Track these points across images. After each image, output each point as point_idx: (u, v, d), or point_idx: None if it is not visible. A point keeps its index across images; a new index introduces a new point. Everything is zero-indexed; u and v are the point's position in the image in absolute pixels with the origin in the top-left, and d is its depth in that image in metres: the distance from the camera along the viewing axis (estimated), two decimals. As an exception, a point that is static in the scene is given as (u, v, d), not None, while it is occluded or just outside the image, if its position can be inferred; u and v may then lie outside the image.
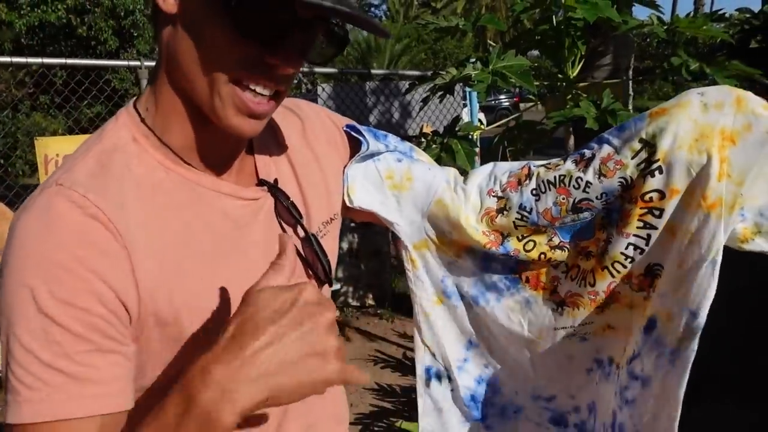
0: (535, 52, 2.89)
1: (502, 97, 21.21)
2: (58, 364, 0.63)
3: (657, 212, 0.93)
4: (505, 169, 1.07)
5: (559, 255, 1.03)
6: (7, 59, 3.16)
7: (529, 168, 1.04)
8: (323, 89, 4.90)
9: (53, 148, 3.33)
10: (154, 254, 0.69)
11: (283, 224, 0.84)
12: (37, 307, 0.62)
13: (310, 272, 0.86)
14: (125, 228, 0.67)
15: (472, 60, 2.50)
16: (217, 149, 0.78)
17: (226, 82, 0.70)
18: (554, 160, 1.04)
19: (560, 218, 1.01)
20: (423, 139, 2.60)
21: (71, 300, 0.63)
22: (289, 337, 0.58)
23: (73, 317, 0.63)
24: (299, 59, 0.72)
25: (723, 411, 1.39)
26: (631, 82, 3.16)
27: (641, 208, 0.94)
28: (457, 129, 2.52)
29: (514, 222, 1.03)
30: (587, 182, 0.97)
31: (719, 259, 0.88)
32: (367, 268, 5.13)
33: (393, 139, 1.09)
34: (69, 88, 3.69)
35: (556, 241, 1.03)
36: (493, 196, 1.05)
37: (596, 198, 0.98)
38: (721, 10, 2.54)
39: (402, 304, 4.94)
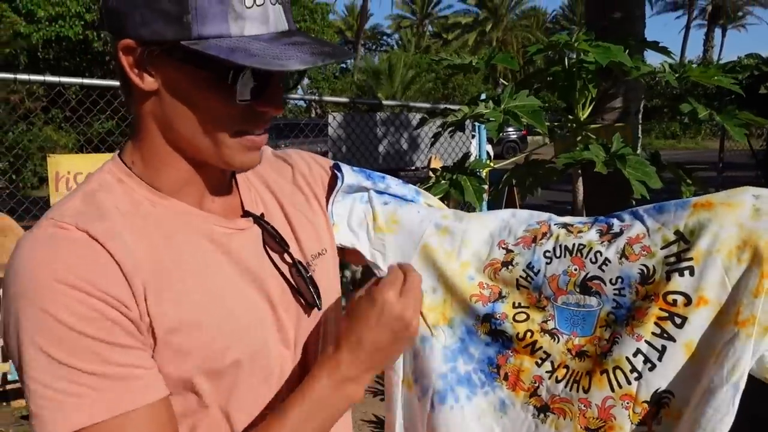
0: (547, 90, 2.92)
1: (510, 129, 21.30)
2: (101, 370, 0.69)
3: (679, 320, 0.83)
4: (523, 219, 0.98)
5: (547, 343, 0.92)
6: (24, 77, 3.20)
7: (549, 226, 0.95)
8: (333, 117, 4.94)
9: (65, 166, 3.35)
10: (145, 271, 0.74)
11: (270, 252, 0.88)
12: (63, 327, 0.68)
13: (299, 297, 0.89)
14: (115, 248, 0.73)
15: (483, 97, 2.53)
16: (206, 187, 0.85)
17: (230, 136, 0.78)
18: (578, 223, 0.94)
19: (566, 292, 0.91)
20: (432, 174, 2.62)
21: (89, 313, 0.69)
22: (382, 342, 0.80)
23: (97, 328, 0.69)
24: (282, 101, 0.81)
25: None
26: (640, 126, 3.19)
27: (661, 310, 0.84)
28: (466, 165, 2.54)
29: (517, 280, 0.94)
30: (606, 259, 0.88)
31: (742, 384, 0.77)
32: (370, 296, 5.10)
33: (392, 182, 1.04)
34: (84, 107, 3.74)
35: (550, 325, 0.92)
36: (503, 248, 0.96)
37: (610, 282, 0.88)
38: (730, 62, 2.56)
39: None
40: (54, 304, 0.68)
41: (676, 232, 0.86)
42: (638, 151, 3.02)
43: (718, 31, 45.51)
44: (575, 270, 0.91)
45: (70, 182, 3.41)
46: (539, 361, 0.93)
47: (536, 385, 0.93)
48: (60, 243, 0.72)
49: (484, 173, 2.65)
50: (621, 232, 0.90)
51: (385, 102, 4.58)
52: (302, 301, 0.89)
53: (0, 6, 12.18)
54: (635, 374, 0.84)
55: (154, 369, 0.74)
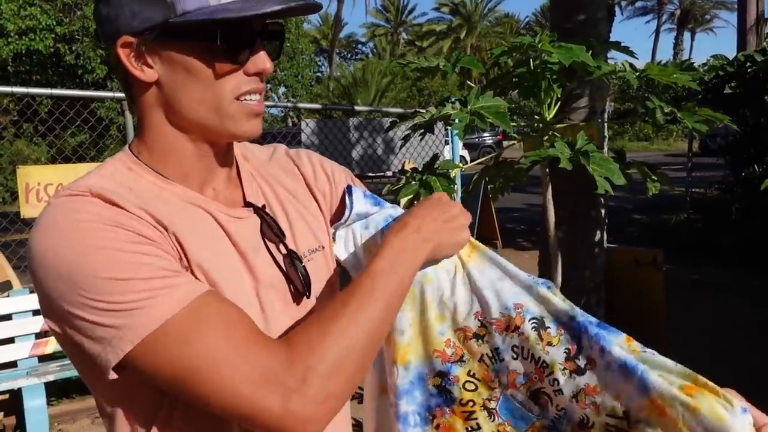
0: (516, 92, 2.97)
1: (485, 134, 21.48)
2: (159, 273, 0.75)
3: None
4: (505, 296, 0.97)
5: (483, 418, 0.99)
6: (-8, 88, 3.18)
7: (524, 319, 0.96)
8: (307, 124, 4.95)
9: (35, 177, 3.33)
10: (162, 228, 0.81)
11: (267, 240, 0.93)
12: (113, 248, 0.74)
13: (290, 285, 0.94)
14: (130, 208, 0.79)
15: (452, 99, 2.57)
16: (205, 172, 0.91)
17: (231, 102, 0.85)
18: (552, 329, 0.94)
19: (518, 390, 0.97)
20: (403, 176, 2.65)
21: (135, 239, 0.76)
22: (445, 229, 0.96)
23: (136, 250, 0.75)
24: (270, 59, 0.87)
25: None
26: (606, 125, 3.25)
27: None
28: (436, 166, 2.58)
29: (481, 355, 0.99)
30: (560, 390, 0.93)
31: None
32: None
33: (400, 211, 1.05)
34: (54, 118, 3.71)
35: (492, 404, 0.99)
36: (479, 320, 0.99)
37: (556, 406, 0.94)
38: (689, 59, 2.63)
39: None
40: (90, 238, 0.74)
41: (625, 412, 0.89)
42: (604, 149, 3.08)
43: (687, 35, 46.36)
44: (535, 378, 0.96)
45: (41, 193, 3.39)
46: (469, 429, 1.00)
47: None
48: (78, 202, 0.78)
49: (453, 173, 2.68)
50: (584, 371, 0.92)
51: (357, 107, 4.60)
52: (293, 289, 0.94)
53: (-32, 20, 12.04)
54: None
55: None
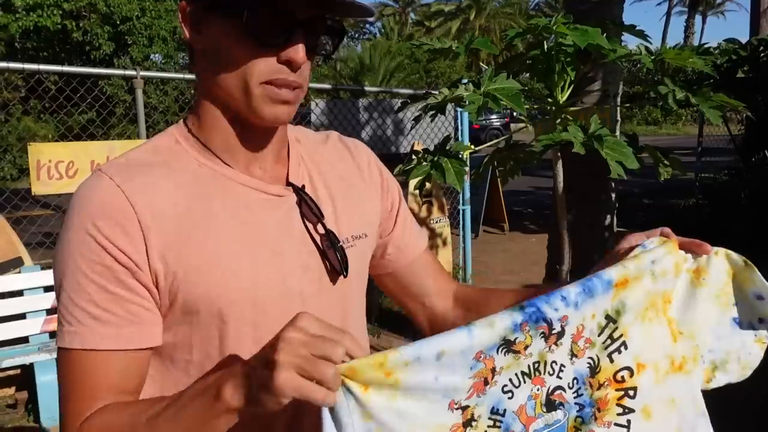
0: (527, 75, 2.94)
1: (492, 117, 21.33)
2: (87, 307, 0.82)
3: (632, 392, 0.91)
4: (457, 361, 0.79)
5: None
6: (3, 64, 3.18)
7: (493, 359, 0.82)
8: (316, 104, 4.94)
9: (46, 154, 3.34)
10: (169, 223, 0.84)
11: (306, 220, 0.95)
12: (75, 264, 0.82)
13: (326, 263, 0.95)
14: (144, 207, 0.83)
15: (465, 81, 2.55)
16: (252, 150, 0.93)
17: (258, 85, 0.85)
18: (520, 335, 0.83)
19: (535, 418, 0.86)
20: (414, 157, 2.64)
21: (95, 258, 0.81)
22: (253, 365, 0.70)
23: (97, 272, 0.81)
24: (306, 54, 0.86)
25: None
26: (619, 109, 3.23)
27: (617, 390, 0.91)
28: (447, 148, 2.57)
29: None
30: (561, 365, 0.87)
31: (705, 409, 0.93)
32: (355, 282, 5.14)
33: None
34: (64, 95, 3.71)
35: None
36: (457, 409, 0.81)
37: (568, 386, 0.88)
38: (706, 43, 2.61)
39: (388, 321, 4.95)
40: (73, 244, 0.82)
41: (607, 317, 0.90)
42: (617, 134, 3.06)
43: (698, 18, 45.81)
44: (538, 390, 0.87)
45: (52, 171, 3.40)
46: None
47: None
48: (93, 190, 0.84)
49: (465, 155, 2.67)
50: (563, 331, 0.87)
51: (367, 88, 4.58)
52: (329, 269, 0.95)
53: (-24, -5, 12.01)
54: None
55: (136, 323, 0.83)
